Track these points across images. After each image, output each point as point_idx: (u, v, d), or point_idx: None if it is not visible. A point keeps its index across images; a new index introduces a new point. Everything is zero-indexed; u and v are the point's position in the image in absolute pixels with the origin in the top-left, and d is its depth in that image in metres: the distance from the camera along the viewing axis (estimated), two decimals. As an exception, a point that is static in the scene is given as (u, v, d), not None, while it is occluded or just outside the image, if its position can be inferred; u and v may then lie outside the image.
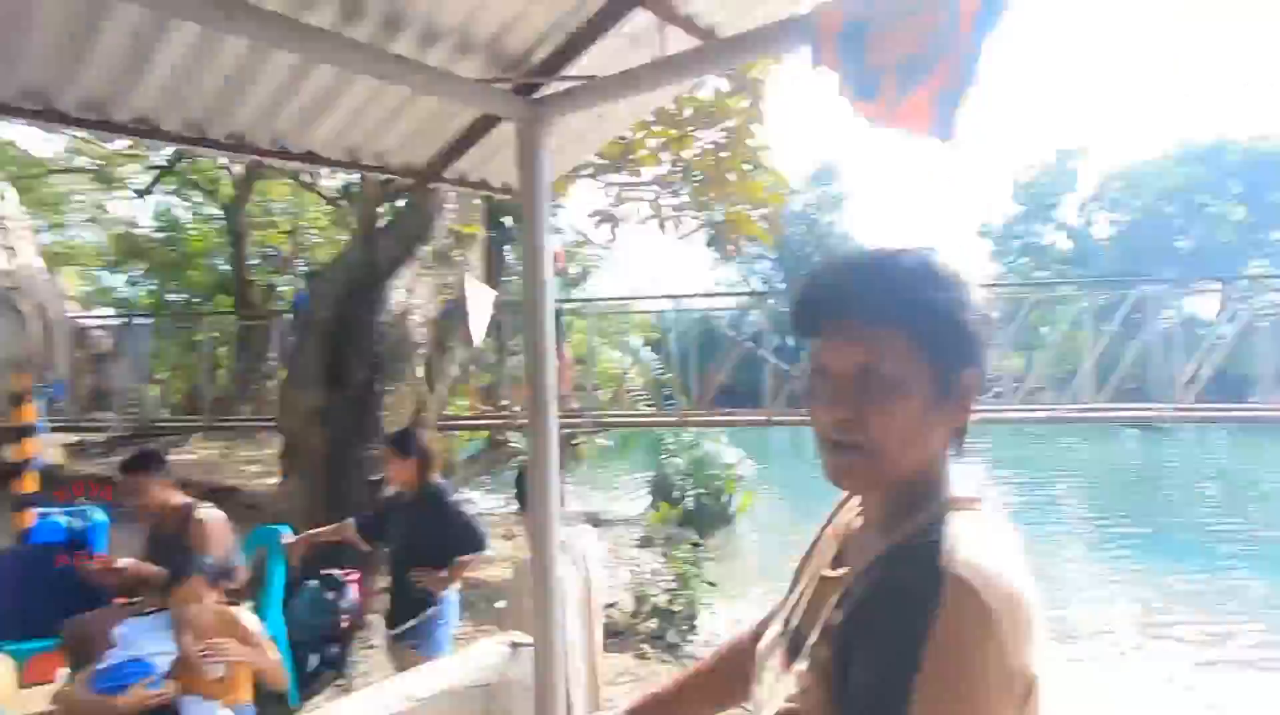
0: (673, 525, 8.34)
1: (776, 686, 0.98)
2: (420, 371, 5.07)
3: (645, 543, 8.26)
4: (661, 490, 8.95)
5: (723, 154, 4.39)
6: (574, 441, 8.67)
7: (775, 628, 1.05)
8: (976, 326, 0.92)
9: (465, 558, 3.27)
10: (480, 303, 4.87)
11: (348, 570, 4.01)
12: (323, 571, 3.90)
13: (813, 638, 0.94)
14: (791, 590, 1.09)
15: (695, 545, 6.93)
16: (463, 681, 2.22)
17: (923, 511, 0.92)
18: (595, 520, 9.26)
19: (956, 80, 1.53)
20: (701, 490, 8.88)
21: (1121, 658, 6.09)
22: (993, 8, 1.48)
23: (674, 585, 6.12)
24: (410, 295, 5.17)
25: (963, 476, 0.97)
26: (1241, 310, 8.22)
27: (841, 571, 0.99)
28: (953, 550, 0.84)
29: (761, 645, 1.05)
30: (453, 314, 5.28)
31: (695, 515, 8.63)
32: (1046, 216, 31.90)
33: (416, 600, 3.22)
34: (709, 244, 4.30)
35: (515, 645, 2.32)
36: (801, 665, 0.94)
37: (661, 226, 5.00)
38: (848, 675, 0.86)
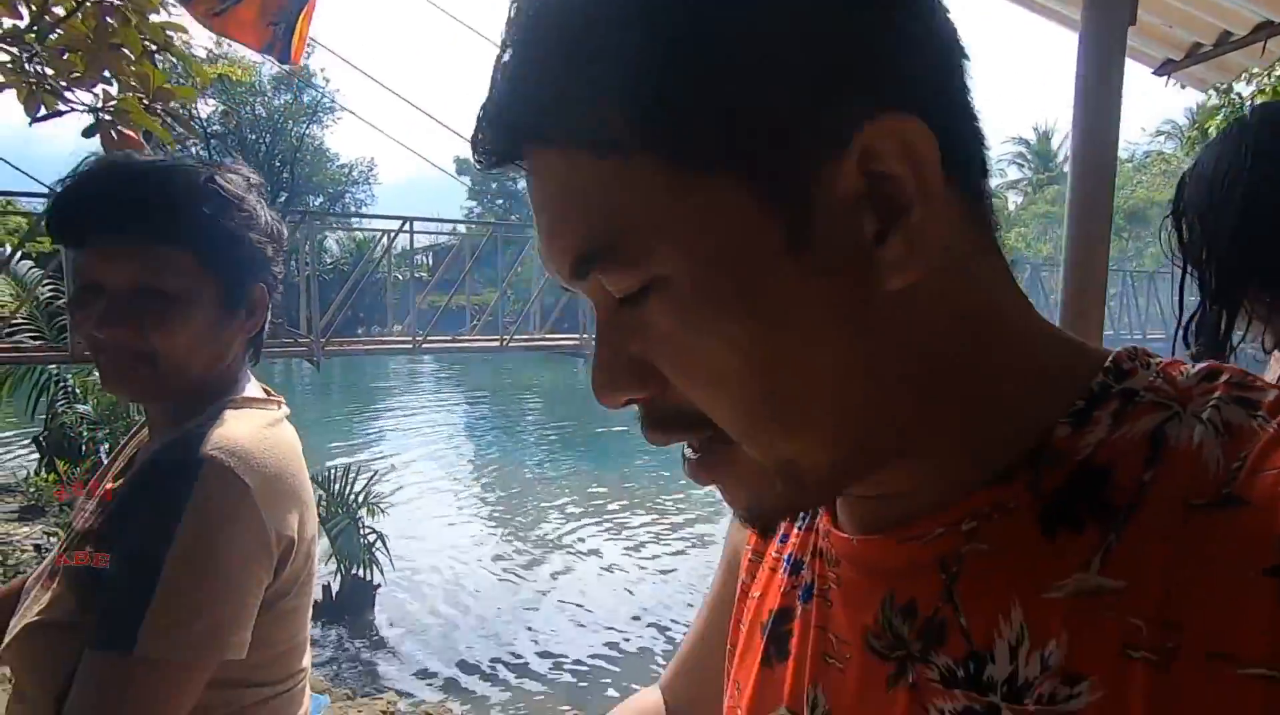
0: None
1: (28, 606, 0.94)
2: None
3: (28, 514, 6.48)
4: (57, 446, 7.10)
5: (110, 20, 3.36)
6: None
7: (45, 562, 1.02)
8: (263, 244, 0.98)
9: None
10: None
11: None
12: None
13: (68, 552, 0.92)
14: (75, 515, 1.04)
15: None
16: None
17: (204, 414, 0.93)
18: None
19: (287, 1, 1.55)
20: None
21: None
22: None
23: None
24: None
25: (252, 384, 1.03)
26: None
27: (114, 485, 0.99)
28: (216, 437, 0.88)
29: (32, 576, 1.01)
30: None
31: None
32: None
33: None
34: (87, 134, 3.27)
35: None
36: (57, 582, 0.91)
37: (31, 100, 3.73)
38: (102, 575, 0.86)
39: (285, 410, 1.04)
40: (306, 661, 1.08)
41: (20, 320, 7.09)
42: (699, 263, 0.33)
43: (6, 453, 8.83)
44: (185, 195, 0.91)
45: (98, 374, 0.94)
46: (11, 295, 7.53)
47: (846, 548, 0.41)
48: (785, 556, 0.48)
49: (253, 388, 1.03)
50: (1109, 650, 0.30)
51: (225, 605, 0.87)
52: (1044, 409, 0.35)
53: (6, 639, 0.91)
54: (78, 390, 7.38)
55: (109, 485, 1.00)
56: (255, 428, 0.95)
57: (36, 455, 7.20)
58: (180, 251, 0.91)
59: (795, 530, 0.48)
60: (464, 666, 4.99)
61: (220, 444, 0.88)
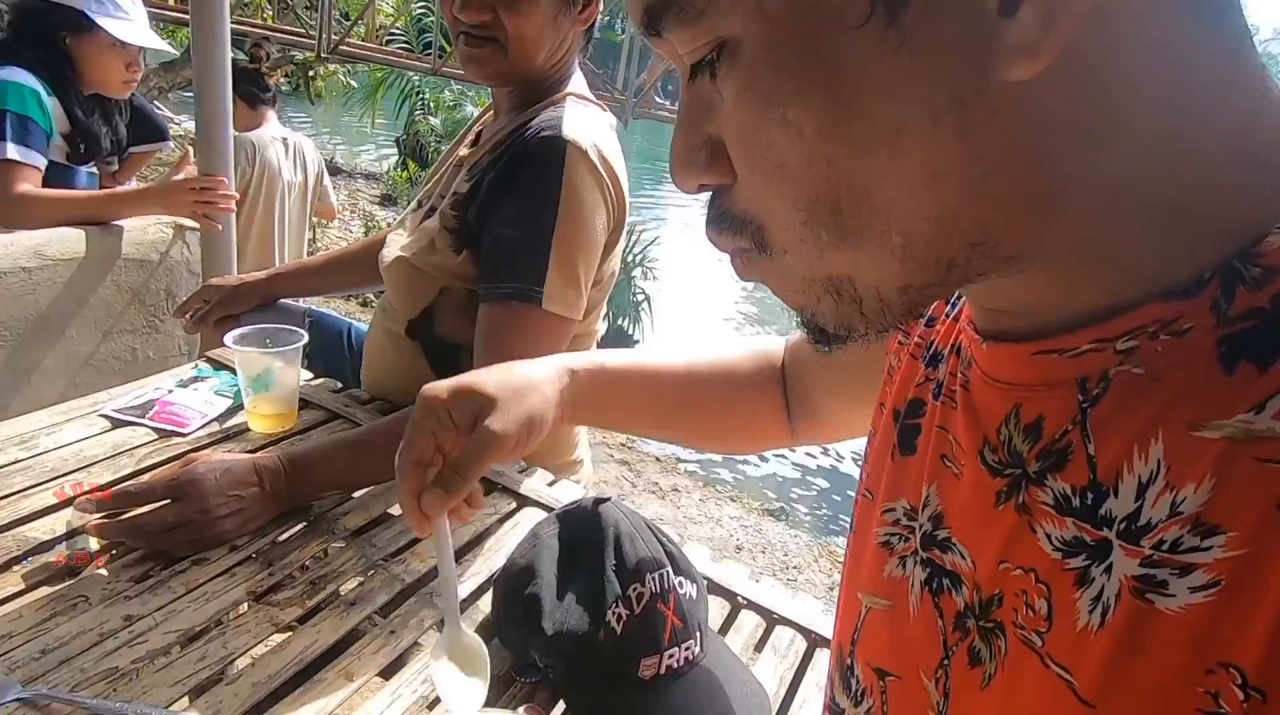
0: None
1: (401, 239, 1.12)
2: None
3: (386, 201, 7.76)
4: (411, 149, 8.26)
5: None
6: (311, 73, 7.49)
7: (410, 208, 1.20)
8: None
9: (142, 149, 2.77)
10: None
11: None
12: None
13: (442, 204, 1.06)
14: (430, 178, 1.19)
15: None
16: (119, 254, 1.90)
17: (547, 101, 1.05)
18: (331, 168, 8.44)
19: None
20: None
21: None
22: None
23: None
24: None
25: (581, 80, 1.11)
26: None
27: (471, 150, 1.12)
28: (570, 125, 0.97)
29: (395, 224, 1.19)
30: None
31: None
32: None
33: None
34: None
35: (180, 227, 2.03)
36: (429, 223, 1.06)
37: None
38: (482, 230, 1.00)
39: (614, 120, 1.11)
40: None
41: (397, 30, 8.03)
42: (770, 21, 0.27)
43: (377, 146, 10.47)
44: None
45: (459, 58, 1.04)
46: (393, 7, 8.50)
47: (978, 351, 0.37)
48: (928, 343, 0.44)
49: (582, 84, 1.11)
50: (1260, 507, 0.25)
51: (589, 273, 0.99)
52: (1257, 211, 0.27)
53: (385, 261, 1.10)
54: (431, 104, 8.39)
55: (462, 152, 1.15)
56: (599, 124, 1.04)
57: (396, 153, 8.46)
58: None
59: (943, 315, 0.44)
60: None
61: (576, 132, 0.97)
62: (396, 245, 1.10)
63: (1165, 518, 0.27)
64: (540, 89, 1.06)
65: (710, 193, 0.34)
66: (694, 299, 8.60)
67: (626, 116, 8.14)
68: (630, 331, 6.72)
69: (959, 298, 0.43)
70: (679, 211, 12.79)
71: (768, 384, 0.74)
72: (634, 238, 6.76)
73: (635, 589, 0.75)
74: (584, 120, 1.01)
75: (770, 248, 0.32)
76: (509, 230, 0.97)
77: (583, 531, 0.79)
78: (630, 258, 6.73)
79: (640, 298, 6.72)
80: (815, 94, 0.27)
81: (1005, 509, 0.34)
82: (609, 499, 0.81)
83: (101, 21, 1.68)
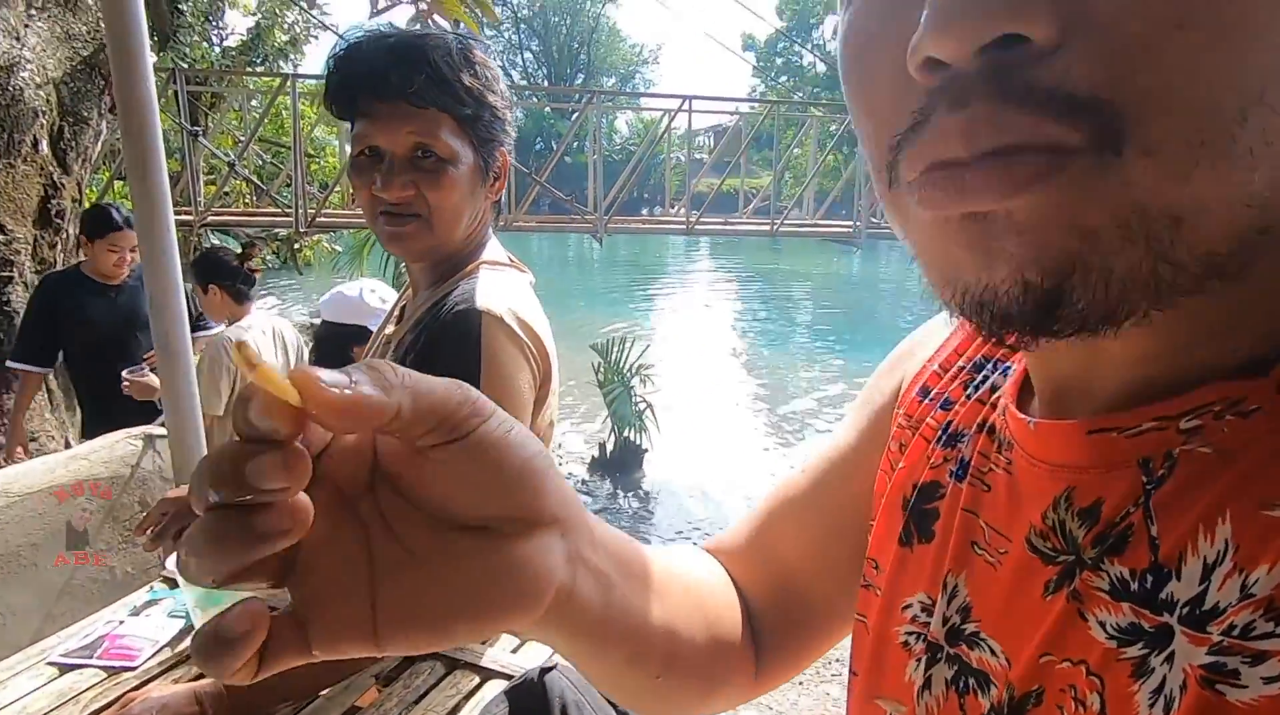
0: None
1: None
2: (45, 146, 4.08)
3: (381, 353, 7.91)
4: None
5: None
6: (296, 246, 7.82)
7: None
8: (504, 110, 1.04)
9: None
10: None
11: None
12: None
13: None
14: (363, 357, 1.22)
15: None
16: (89, 475, 1.93)
17: (462, 273, 1.06)
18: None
19: None
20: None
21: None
22: None
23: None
24: (18, 44, 4.01)
25: (496, 246, 1.13)
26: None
27: (393, 329, 1.14)
28: (484, 294, 0.99)
29: None
30: (82, 75, 4.23)
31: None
32: (807, 37, 32.85)
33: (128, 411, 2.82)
34: (410, 23, 3.70)
35: (150, 437, 2.07)
36: None
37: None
38: None
39: (531, 277, 1.13)
40: None
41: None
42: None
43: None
44: (446, 63, 0.96)
45: (379, 237, 1.05)
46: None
47: (1022, 432, 0.35)
48: (943, 425, 0.42)
49: (498, 251, 1.12)
50: None
51: None
52: None
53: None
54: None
55: (389, 330, 1.17)
56: (514, 287, 1.06)
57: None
58: (446, 115, 0.97)
59: (963, 397, 0.42)
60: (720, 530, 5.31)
61: (490, 301, 0.99)
62: None
63: (1235, 601, 0.25)
64: (456, 261, 1.09)
65: (993, 60, 0.23)
66: (701, 392, 8.63)
67: (600, 233, 8.43)
68: (638, 441, 6.68)
69: (982, 379, 0.41)
70: (665, 316, 13.01)
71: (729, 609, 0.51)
72: (626, 349, 6.83)
73: (586, 766, 0.72)
74: (498, 286, 1.04)
75: (1127, 144, 0.23)
76: None
77: (530, 708, 0.76)
78: (626, 368, 6.79)
79: (642, 406, 6.73)
80: None
81: (1055, 598, 0.31)
82: (554, 667, 0.79)
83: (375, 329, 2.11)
